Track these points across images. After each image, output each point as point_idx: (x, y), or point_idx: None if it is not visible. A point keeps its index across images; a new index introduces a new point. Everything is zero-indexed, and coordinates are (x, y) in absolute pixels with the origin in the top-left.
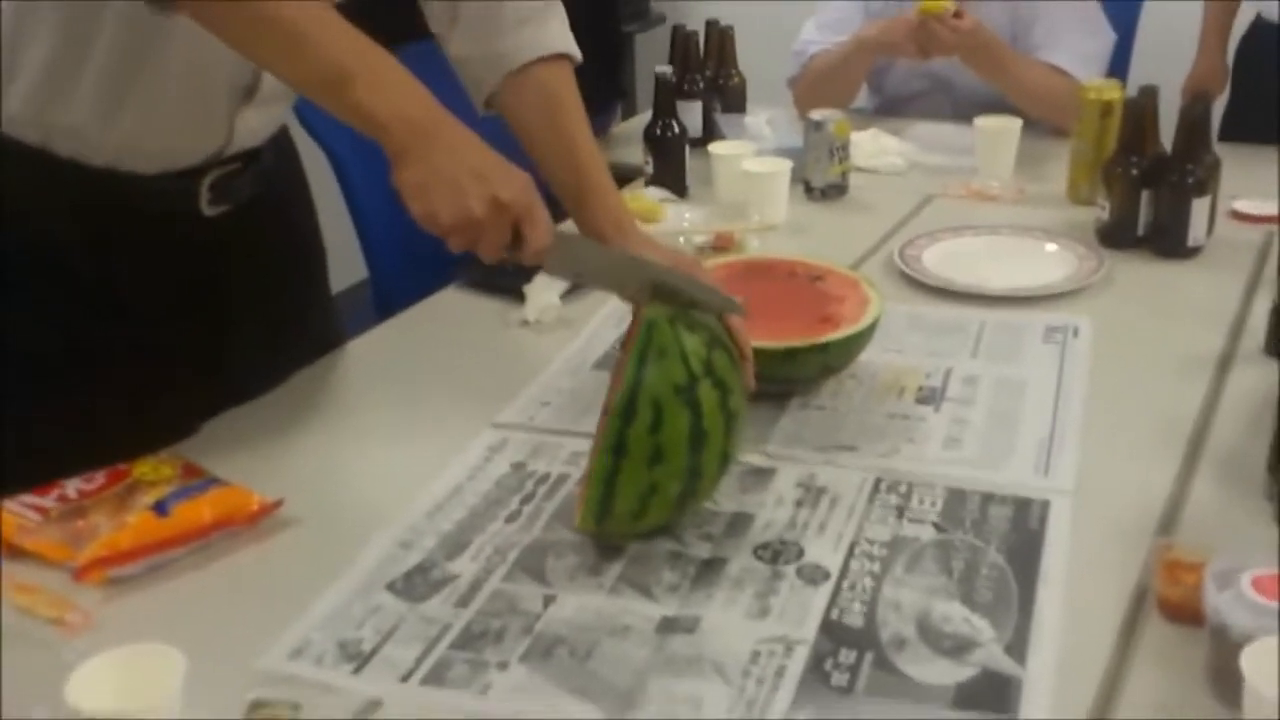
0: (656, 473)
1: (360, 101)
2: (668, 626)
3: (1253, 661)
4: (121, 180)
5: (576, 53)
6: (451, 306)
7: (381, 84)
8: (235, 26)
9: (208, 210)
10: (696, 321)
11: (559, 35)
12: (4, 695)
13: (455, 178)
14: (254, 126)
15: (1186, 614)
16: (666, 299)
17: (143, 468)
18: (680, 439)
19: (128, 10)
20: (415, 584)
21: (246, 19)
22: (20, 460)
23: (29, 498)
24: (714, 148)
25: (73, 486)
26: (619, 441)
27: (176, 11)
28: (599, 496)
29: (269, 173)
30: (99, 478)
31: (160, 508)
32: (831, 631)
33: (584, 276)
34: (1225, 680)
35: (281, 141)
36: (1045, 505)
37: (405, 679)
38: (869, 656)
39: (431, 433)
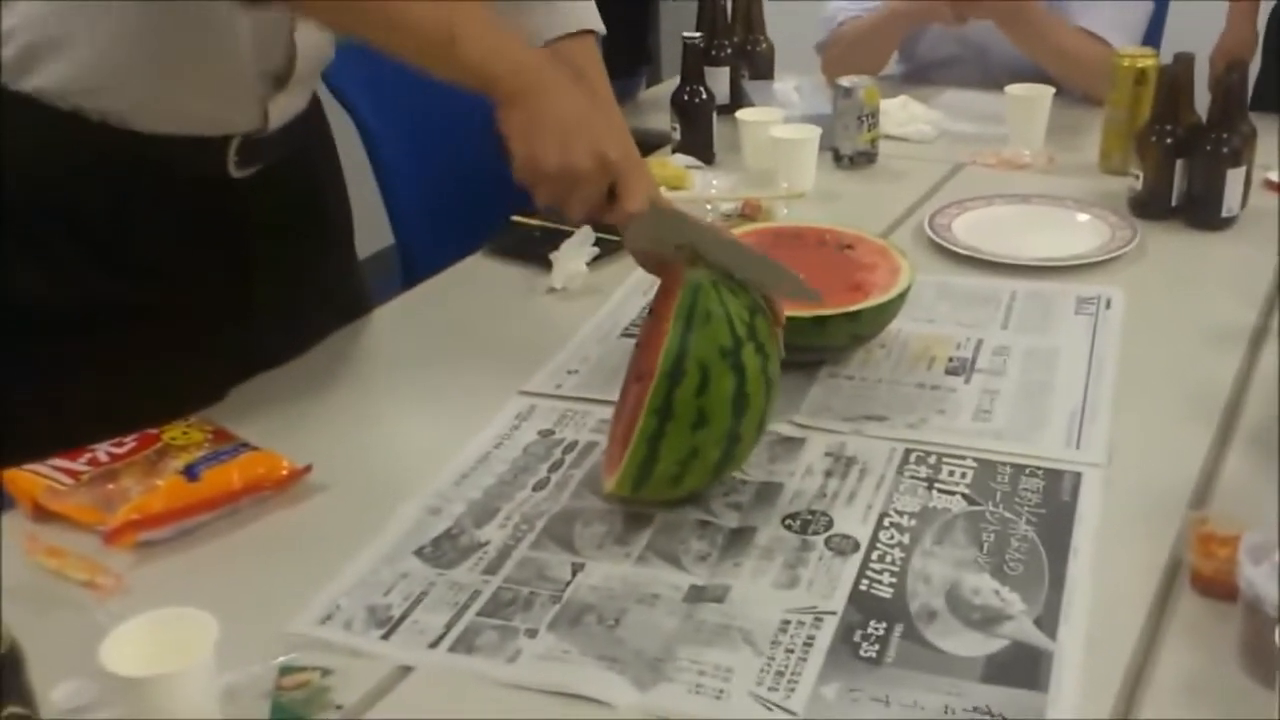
0: (699, 436)
1: (470, 58)
2: (696, 595)
3: None
4: (147, 141)
5: (601, 27)
6: (478, 273)
7: (487, 39)
8: (333, 14)
9: (235, 172)
10: (738, 286)
11: (585, 11)
12: (37, 655)
13: (564, 127)
14: (285, 107)
15: (1220, 588)
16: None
17: (173, 432)
18: (724, 402)
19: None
20: (444, 550)
21: (344, 5)
22: (49, 424)
23: (60, 461)
24: (742, 114)
25: (103, 450)
26: (665, 403)
27: (268, 8)
28: (641, 459)
29: (297, 136)
30: (129, 442)
31: (190, 472)
32: (860, 603)
33: (665, 247)
34: (1258, 656)
35: (310, 105)
36: (1077, 477)
37: (434, 645)
38: (898, 628)
39: (459, 400)
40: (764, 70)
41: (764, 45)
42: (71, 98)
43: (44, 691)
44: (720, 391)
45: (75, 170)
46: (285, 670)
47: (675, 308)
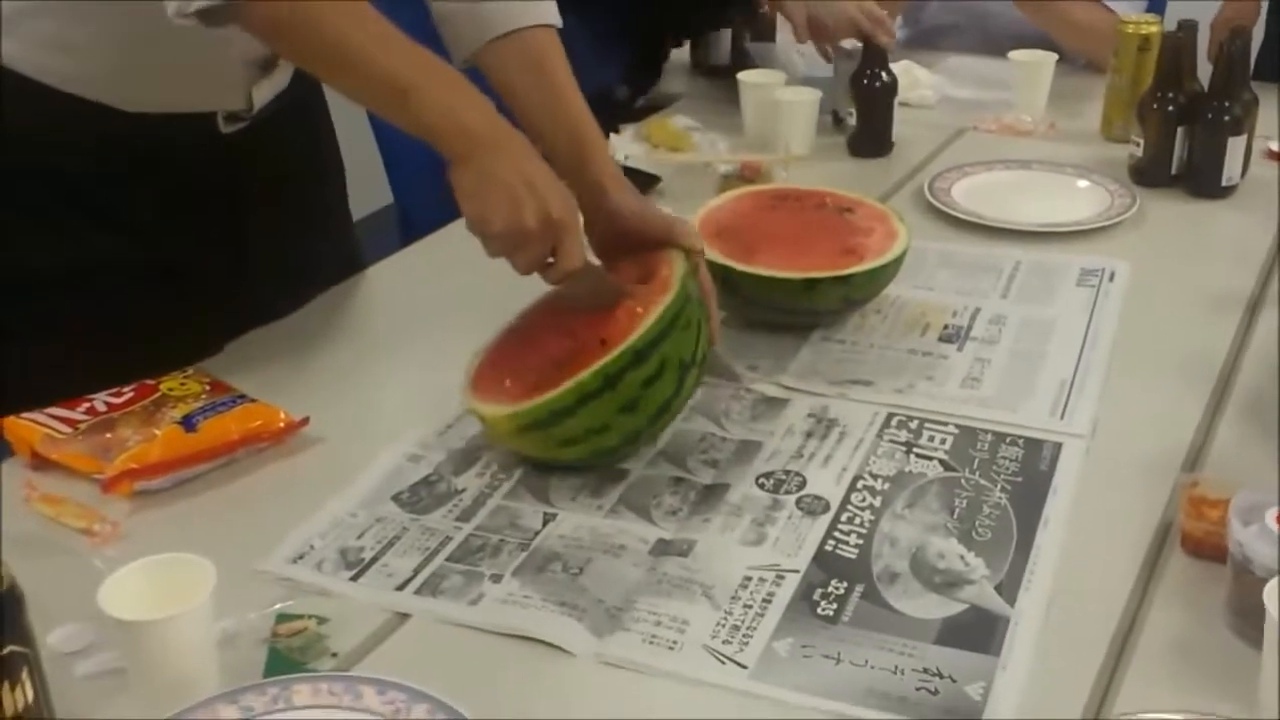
0: (619, 419)
1: (418, 114)
2: (662, 549)
3: (1275, 596)
4: (135, 117)
5: (558, 21)
6: None
7: (438, 95)
8: (289, 46)
9: (225, 128)
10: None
11: (543, 9)
12: (34, 600)
13: (511, 187)
14: (269, 89)
15: (1210, 549)
16: None
17: (170, 383)
18: (654, 404)
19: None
20: (420, 497)
21: (300, 39)
22: (49, 380)
23: (58, 410)
24: (743, 76)
25: (101, 400)
26: (617, 375)
27: (230, 25)
28: (559, 408)
29: (285, 92)
30: (127, 392)
31: (188, 422)
32: (824, 562)
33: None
34: (1246, 615)
35: None
36: (1057, 448)
37: (400, 588)
38: (858, 588)
39: (455, 354)
40: (766, 32)
41: (766, 7)
42: (66, 87)
43: (41, 636)
44: (660, 393)
45: (70, 136)
46: (281, 618)
47: (667, 303)
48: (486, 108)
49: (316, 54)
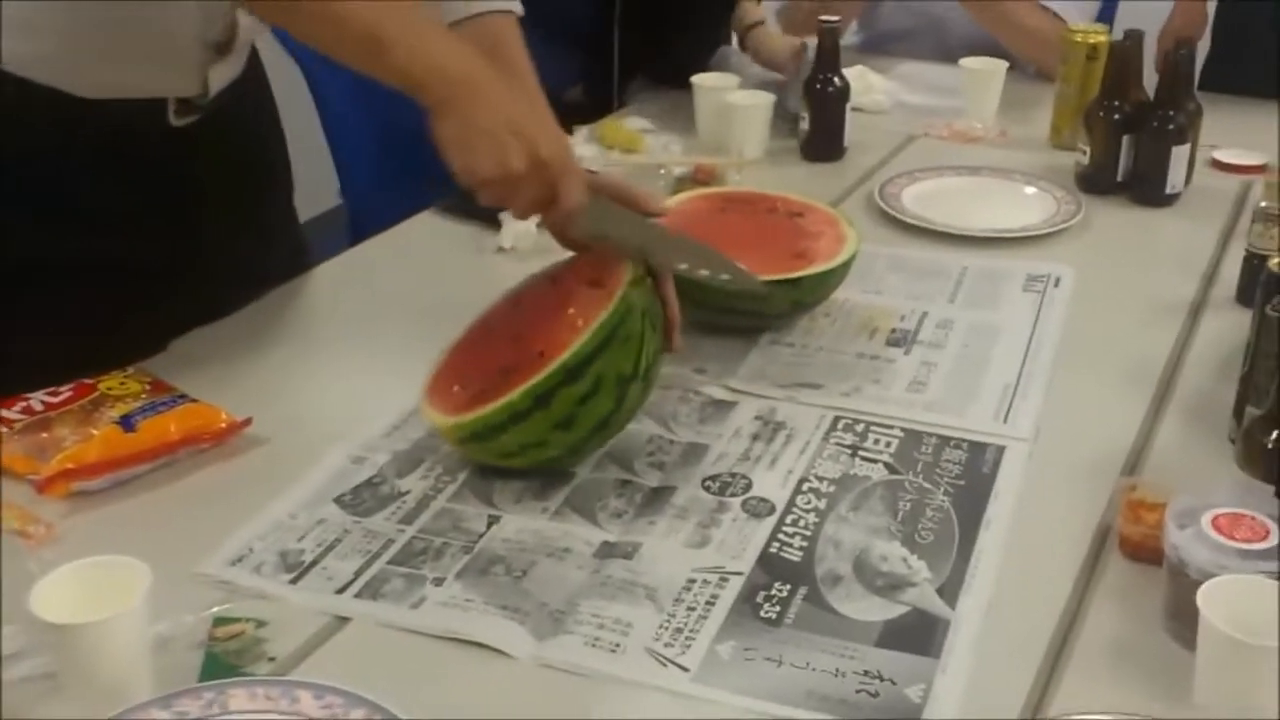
0: (555, 435)
1: (396, 63)
2: (607, 551)
3: (1208, 598)
4: (89, 103)
5: (519, 9)
6: (426, 231)
7: (415, 43)
8: (267, 7)
9: (175, 120)
10: (659, 318)
11: None
12: None
13: (495, 132)
14: (224, 73)
15: (1147, 553)
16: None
17: (109, 382)
18: (593, 420)
19: None
20: (363, 499)
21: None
22: None
23: None
24: (697, 79)
25: (38, 399)
26: (547, 394)
27: None
28: (493, 424)
29: (235, 83)
30: (64, 391)
31: (127, 422)
32: (768, 564)
33: (612, 241)
34: (1181, 617)
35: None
36: (1000, 451)
37: (341, 591)
38: (802, 591)
39: (402, 356)
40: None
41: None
42: (25, 71)
43: None
44: (597, 409)
45: (15, 128)
46: (219, 621)
47: (603, 319)
48: (464, 53)
49: (289, 14)
